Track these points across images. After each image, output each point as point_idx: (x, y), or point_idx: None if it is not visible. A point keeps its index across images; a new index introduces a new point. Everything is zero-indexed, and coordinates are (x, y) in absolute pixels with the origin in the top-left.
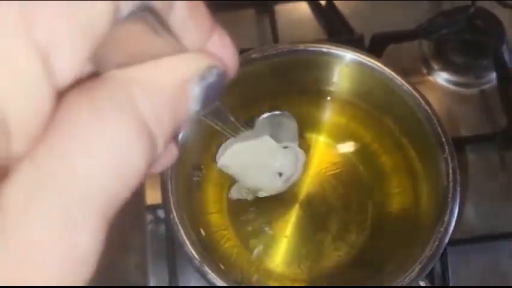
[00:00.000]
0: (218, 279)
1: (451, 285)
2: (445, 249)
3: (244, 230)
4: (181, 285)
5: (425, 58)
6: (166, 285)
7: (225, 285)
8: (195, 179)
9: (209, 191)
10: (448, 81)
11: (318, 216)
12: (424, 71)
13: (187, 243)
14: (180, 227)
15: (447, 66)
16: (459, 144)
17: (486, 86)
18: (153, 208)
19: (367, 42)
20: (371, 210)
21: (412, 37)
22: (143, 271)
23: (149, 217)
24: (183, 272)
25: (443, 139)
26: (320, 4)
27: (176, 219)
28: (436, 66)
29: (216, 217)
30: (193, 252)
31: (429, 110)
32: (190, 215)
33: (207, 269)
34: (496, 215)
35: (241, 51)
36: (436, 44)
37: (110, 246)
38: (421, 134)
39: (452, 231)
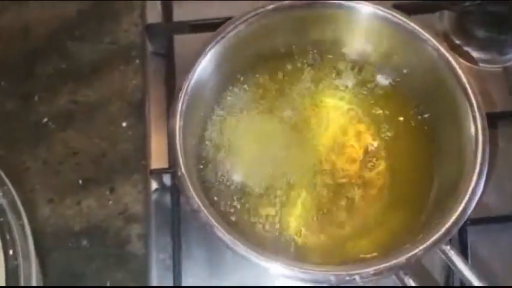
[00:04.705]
0: (225, 232)
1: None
2: (466, 229)
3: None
4: (184, 258)
5: (446, 33)
6: (169, 256)
7: (231, 238)
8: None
9: None
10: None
11: (335, 186)
12: None
13: (194, 195)
14: (187, 179)
15: (469, 42)
16: None
17: (509, 63)
18: (158, 173)
19: None
20: (389, 177)
21: (434, 9)
22: (145, 242)
23: (154, 185)
24: (187, 244)
25: (471, 92)
26: None
27: (183, 172)
28: (457, 42)
29: None
30: (201, 205)
31: (456, 66)
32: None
33: (213, 222)
34: None
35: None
36: (458, 17)
37: (110, 213)
38: (446, 90)
39: (474, 210)
